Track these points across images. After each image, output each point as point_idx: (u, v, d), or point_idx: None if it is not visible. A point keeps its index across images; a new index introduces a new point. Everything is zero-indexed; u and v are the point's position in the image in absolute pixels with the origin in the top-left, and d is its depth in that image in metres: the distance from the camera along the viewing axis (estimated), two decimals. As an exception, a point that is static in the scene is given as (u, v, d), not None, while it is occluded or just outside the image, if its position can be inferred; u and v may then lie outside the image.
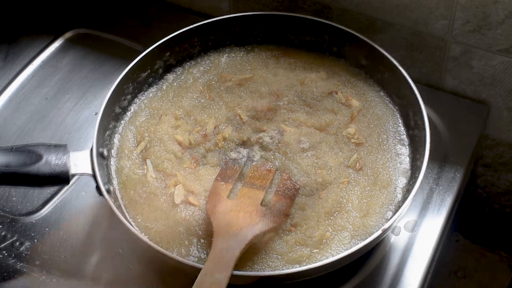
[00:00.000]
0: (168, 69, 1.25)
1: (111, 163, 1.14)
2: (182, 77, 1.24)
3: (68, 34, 1.42)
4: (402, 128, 1.17)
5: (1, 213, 1.17)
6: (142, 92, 1.23)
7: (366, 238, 1.03)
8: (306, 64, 1.25)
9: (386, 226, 1.03)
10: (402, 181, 1.12)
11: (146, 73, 1.22)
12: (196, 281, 0.95)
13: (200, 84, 1.23)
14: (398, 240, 1.14)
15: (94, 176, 1.07)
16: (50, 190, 1.19)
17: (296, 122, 1.17)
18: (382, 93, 1.21)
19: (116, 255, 1.11)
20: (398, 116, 1.19)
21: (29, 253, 1.13)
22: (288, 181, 1.10)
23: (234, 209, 1.05)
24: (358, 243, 1.03)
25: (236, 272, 0.98)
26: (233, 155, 1.15)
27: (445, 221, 1.17)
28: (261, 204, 1.06)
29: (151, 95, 1.23)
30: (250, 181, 1.10)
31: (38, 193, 1.19)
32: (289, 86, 1.22)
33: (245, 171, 1.12)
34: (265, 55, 1.27)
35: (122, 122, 1.19)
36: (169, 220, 1.08)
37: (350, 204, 1.09)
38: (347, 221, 1.07)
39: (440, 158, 1.22)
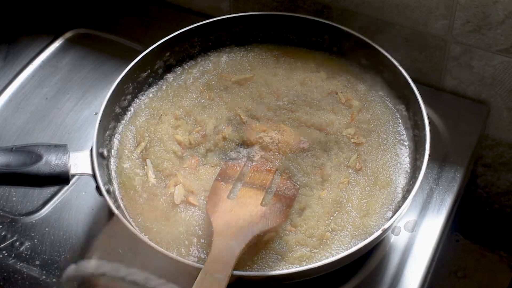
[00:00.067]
0: (168, 69, 1.25)
1: (111, 163, 1.14)
2: (182, 77, 1.24)
3: (68, 34, 1.42)
4: (402, 128, 1.17)
5: (1, 213, 1.17)
6: (142, 92, 1.23)
7: (366, 238, 1.03)
8: (306, 64, 1.25)
9: (386, 226, 1.03)
10: (402, 181, 1.12)
11: (146, 73, 1.22)
12: (196, 281, 0.94)
13: (200, 84, 1.23)
14: (398, 240, 1.14)
15: (94, 176, 1.06)
16: (50, 190, 1.19)
17: (296, 122, 1.17)
18: (382, 93, 1.21)
19: (116, 255, 1.11)
20: (398, 116, 1.19)
21: (29, 253, 1.13)
22: (288, 181, 1.10)
23: (234, 209, 1.05)
24: (358, 243, 1.02)
25: (236, 272, 0.98)
26: (233, 155, 1.15)
27: (445, 221, 1.17)
28: (261, 204, 1.06)
29: (151, 95, 1.23)
30: (250, 181, 1.10)
31: (38, 193, 1.19)
32: (289, 86, 1.22)
33: (245, 171, 1.12)
34: (265, 55, 1.26)
35: (122, 122, 1.19)
36: (169, 220, 1.07)
37: (350, 204, 1.09)
38: (347, 221, 1.07)
39: (440, 158, 1.22)
